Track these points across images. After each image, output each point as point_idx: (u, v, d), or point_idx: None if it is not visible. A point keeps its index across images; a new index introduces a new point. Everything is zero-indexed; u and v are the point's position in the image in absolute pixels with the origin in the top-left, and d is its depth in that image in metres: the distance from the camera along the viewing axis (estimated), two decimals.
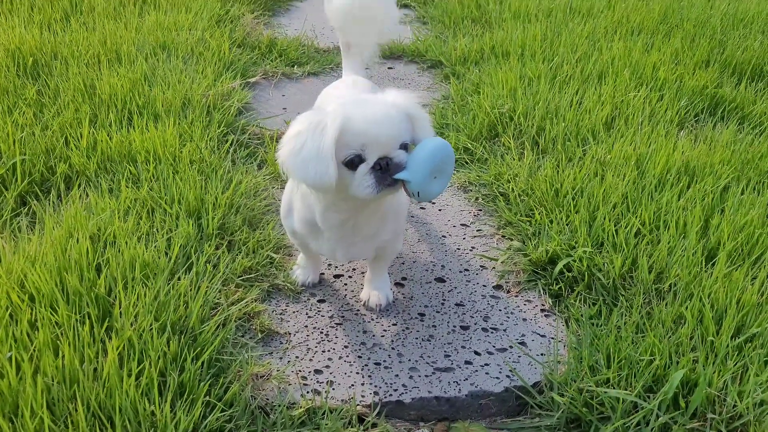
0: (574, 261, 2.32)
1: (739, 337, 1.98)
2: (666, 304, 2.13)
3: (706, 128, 3.07)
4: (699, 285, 2.14)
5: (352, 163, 1.73)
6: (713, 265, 2.25)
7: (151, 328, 1.83)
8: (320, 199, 1.90)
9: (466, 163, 3.03)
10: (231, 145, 2.93)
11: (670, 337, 2.02)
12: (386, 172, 1.73)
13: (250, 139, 3.08)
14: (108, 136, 2.75)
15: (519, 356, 2.10)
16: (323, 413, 1.84)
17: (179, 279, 2.07)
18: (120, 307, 1.87)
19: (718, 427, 1.82)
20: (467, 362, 2.07)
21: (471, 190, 2.89)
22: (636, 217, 2.42)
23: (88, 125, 2.80)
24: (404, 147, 1.77)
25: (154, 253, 2.13)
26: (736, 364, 1.90)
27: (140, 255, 2.08)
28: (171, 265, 2.11)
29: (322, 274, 2.38)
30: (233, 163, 2.82)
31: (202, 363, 1.83)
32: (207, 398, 1.76)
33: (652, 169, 2.65)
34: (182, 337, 1.86)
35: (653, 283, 2.23)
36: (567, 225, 2.49)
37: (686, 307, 2.07)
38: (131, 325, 1.82)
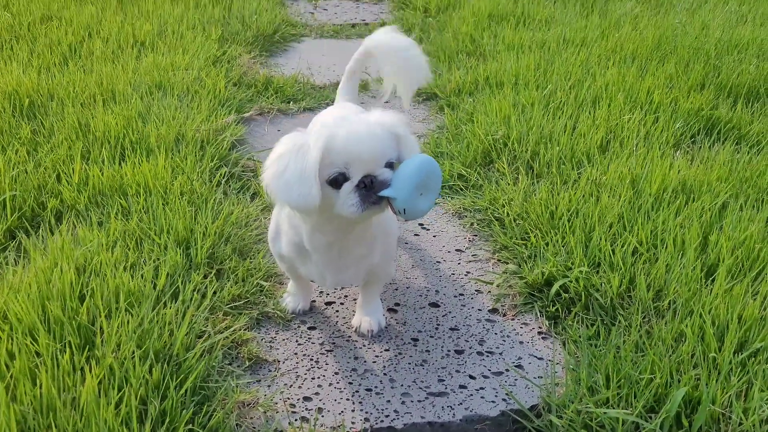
0: (571, 282, 2.26)
1: (742, 353, 1.91)
2: (665, 322, 2.07)
3: (702, 149, 3.04)
4: (699, 301, 2.08)
5: (336, 181, 1.71)
6: (713, 281, 2.19)
7: (134, 356, 1.78)
8: (306, 220, 1.87)
9: (461, 189, 3.00)
10: (223, 177, 2.91)
11: (670, 355, 1.95)
12: (371, 190, 1.70)
13: (243, 171, 3.07)
14: (100, 171, 2.74)
15: (516, 379, 2.03)
16: None
17: (165, 307, 2.03)
18: (102, 335, 1.82)
19: None
20: (462, 386, 2.00)
21: (466, 216, 2.85)
22: (633, 235, 2.38)
23: (80, 160, 2.80)
24: (390, 166, 1.75)
25: (140, 282, 2.09)
26: (740, 379, 1.83)
27: (125, 283, 2.04)
28: (157, 294, 2.07)
29: (313, 301, 2.33)
30: (225, 194, 2.80)
31: (186, 391, 1.78)
32: (190, 426, 1.71)
33: (648, 189, 2.61)
34: (166, 364, 1.81)
35: (652, 301, 2.17)
36: (563, 246, 2.44)
37: (686, 324, 2.01)
38: (113, 353, 1.78)
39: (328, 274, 1.97)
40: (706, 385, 1.82)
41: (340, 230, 1.86)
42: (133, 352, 1.79)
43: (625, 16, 5.03)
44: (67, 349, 1.77)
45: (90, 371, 1.69)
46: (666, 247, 2.31)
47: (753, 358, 1.90)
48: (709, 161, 2.86)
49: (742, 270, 2.21)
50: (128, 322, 1.88)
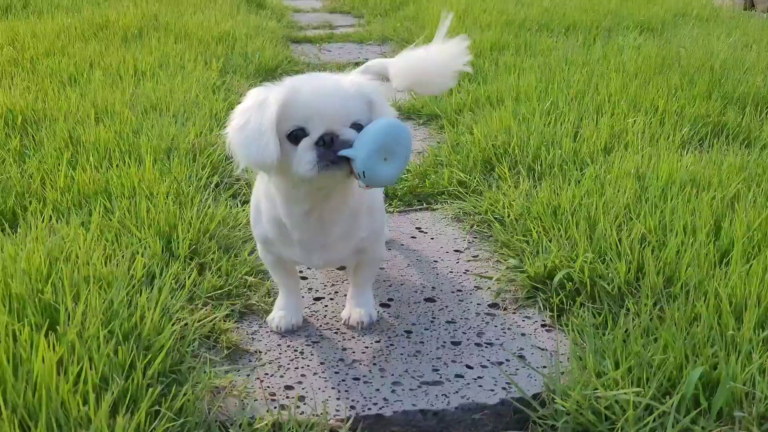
0: (575, 271, 2.12)
1: (763, 330, 1.75)
2: (678, 306, 1.90)
3: (712, 150, 2.92)
4: (713, 282, 1.92)
5: (296, 137, 1.59)
6: (727, 264, 2.04)
7: (98, 336, 1.64)
8: (279, 188, 1.75)
9: (461, 195, 2.88)
10: (212, 182, 2.82)
11: (685, 337, 1.78)
12: (330, 148, 1.58)
13: (237, 180, 2.98)
14: (86, 176, 2.66)
15: (517, 369, 1.87)
16: (290, 428, 1.61)
17: (140, 294, 1.90)
18: (66, 311, 1.69)
19: (749, 427, 1.56)
20: (458, 376, 1.84)
21: (465, 220, 2.73)
22: (641, 223, 2.24)
23: (66, 165, 2.71)
24: (358, 128, 1.62)
25: (115, 269, 1.97)
26: (761, 355, 1.66)
27: (98, 268, 1.92)
28: (130, 278, 1.94)
29: (302, 297, 2.19)
30: (214, 199, 2.70)
31: (155, 373, 1.63)
32: (157, 408, 1.55)
33: (655, 182, 2.48)
34: (134, 345, 1.67)
35: (663, 287, 2.01)
36: (567, 240, 2.30)
37: (701, 305, 1.85)
38: (76, 330, 1.64)
39: (313, 251, 1.83)
40: (726, 364, 1.65)
41: (312, 198, 1.72)
42: (98, 332, 1.65)
43: (628, 46, 4.99)
44: (26, 327, 1.63)
45: (49, 346, 1.55)
46: (676, 235, 2.17)
47: None
48: (718, 159, 2.74)
49: (761, 252, 2.05)
50: (96, 302, 1.75)
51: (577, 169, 2.76)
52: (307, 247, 1.82)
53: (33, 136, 3.17)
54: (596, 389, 1.68)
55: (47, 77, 4.17)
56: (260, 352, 1.92)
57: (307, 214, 1.75)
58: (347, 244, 1.85)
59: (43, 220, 2.35)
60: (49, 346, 1.55)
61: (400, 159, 1.61)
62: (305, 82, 1.63)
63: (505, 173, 2.87)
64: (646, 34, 5.61)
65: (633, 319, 1.91)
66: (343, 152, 1.57)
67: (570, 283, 2.11)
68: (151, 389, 1.55)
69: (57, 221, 2.35)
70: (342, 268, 2.33)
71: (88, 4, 6.75)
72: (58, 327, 1.65)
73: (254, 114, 1.57)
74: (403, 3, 7.82)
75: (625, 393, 1.63)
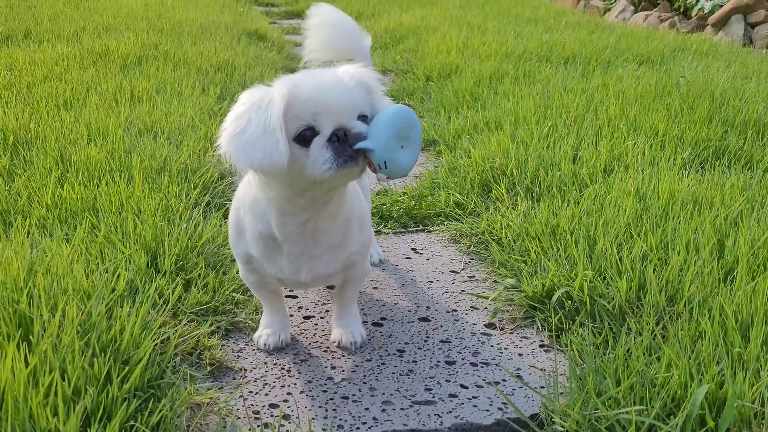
0: (574, 290, 2.04)
1: None
2: (682, 324, 1.82)
3: (714, 172, 2.86)
4: (718, 299, 1.85)
5: (305, 138, 1.50)
6: (731, 281, 1.96)
7: (74, 347, 1.56)
8: (274, 200, 1.67)
9: (457, 216, 2.81)
10: (202, 201, 2.76)
11: (689, 356, 1.70)
12: (345, 143, 1.51)
13: (229, 200, 2.91)
14: (73, 192, 2.60)
15: (514, 389, 1.78)
16: None
17: (121, 307, 1.82)
18: (41, 320, 1.61)
19: None
20: (452, 395, 1.75)
21: (461, 242, 2.66)
22: (642, 241, 2.17)
23: (54, 183, 2.66)
24: (363, 119, 1.56)
25: (97, 281, 1.90)
26: None
27: (78, 280, 1.85)
28: (111, 291, 1.87)
29: (291, 315, 2.12)
30: (204, 216, 2.64)
31: (131, 387, 1.55)
32: (132, 423, 1.47)
33: (656, 201, 2.42)
34: (112, 360, 1.59)
35: (666, 306, 1.93)
36: (566, 259, 2.23)
37: (706, 322, 1.77)
38: (50, 340, 1.56)
39: (302, 265, 1.74)
40: (733, 381, 1.57)
41: (312, 206, 1.65)
42: (73, 343, 1.58)
43: (627, 75, 4.98)
44: None
45: (21, 356, 1.47)
46: (679, 252, 2.10)
47: None
48: (720, 180, 2.68)
49: (766, 269, 1.98)
50: (73, 314, 1.67)
51: (576, 190, 2.70)
52: (296, 260, 1.73)
53: (24, 156, 3.12)
54: (596, 409, 1.60)
55: (42, 100, 4.14)
56: (245, 369, 1.83)
57: (304, 224, 1.67)
58: (338, 257, 1.77)
59: (28, 235, 2.29)
60: (20, 356, 1.47)
61: (416, 144, 1.55)
62: (304, 78, 1.56)
63: (502, 194, 2.81)
64: (646, 66, 5.60)
65: (635, 338, 1.83)
66: (361, 144, 1.50)
67: (569, 302, 2.04)
68: (126, 403, 1.46)
69: (41, 236, 2.28)
70: (330, 287, 2.25)
71: (88, 34, 6.77)
72: (31, 337, 1.57)
73: (254, 115, 1.48)
74: (404, 37, 7.86)
75: (626, 412, 1.54)
